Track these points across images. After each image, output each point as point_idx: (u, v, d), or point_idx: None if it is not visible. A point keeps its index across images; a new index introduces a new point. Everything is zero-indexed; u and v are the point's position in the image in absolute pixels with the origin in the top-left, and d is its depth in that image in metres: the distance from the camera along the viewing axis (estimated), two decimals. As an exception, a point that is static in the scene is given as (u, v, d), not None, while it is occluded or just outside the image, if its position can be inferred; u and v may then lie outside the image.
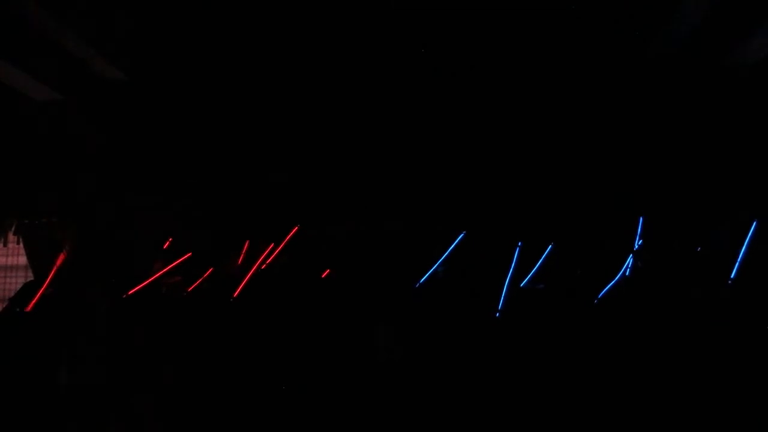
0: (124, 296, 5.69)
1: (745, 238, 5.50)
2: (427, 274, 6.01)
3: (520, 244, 6.00)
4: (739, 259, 5.41)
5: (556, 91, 6.43)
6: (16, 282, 7.25)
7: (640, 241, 5.93)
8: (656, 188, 6.32)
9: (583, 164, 6.42)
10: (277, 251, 6.43)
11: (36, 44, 6.06)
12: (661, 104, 6.35)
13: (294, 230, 6.56)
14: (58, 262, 6.21)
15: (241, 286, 5.88)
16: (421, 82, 6.50)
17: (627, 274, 5.72)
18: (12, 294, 6.29)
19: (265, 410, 5.13)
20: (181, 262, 6.40)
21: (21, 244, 7.39)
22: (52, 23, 5.82)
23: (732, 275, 5.33)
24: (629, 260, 5.73)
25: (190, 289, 6.06)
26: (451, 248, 6.16)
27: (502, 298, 5.69)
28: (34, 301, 5.60)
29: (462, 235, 6.17)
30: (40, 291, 5.71)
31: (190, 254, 6.47)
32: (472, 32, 6.11)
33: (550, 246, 5.95)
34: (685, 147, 6.31)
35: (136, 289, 5.79)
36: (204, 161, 6.91)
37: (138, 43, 6.33)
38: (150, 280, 5.99)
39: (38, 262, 7.12)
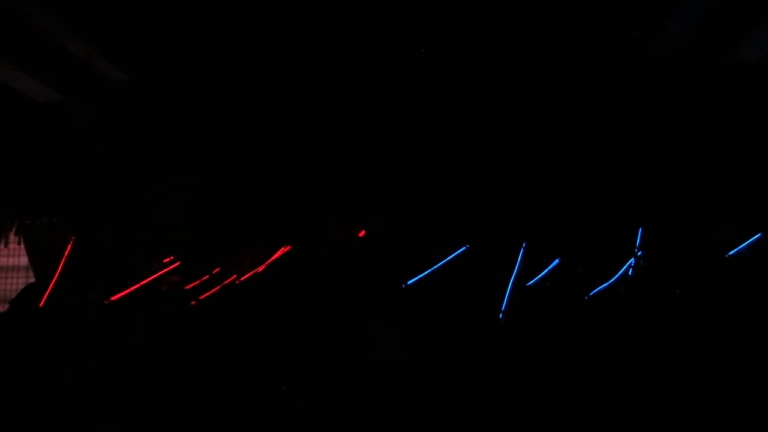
0: (124, 294, 5.70)
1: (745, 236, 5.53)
2: (421, 275, 6.02)
3: (524, 244, 6.00)
4: (737, 249, 5.44)
5: (556, 91, 6.44)
6: (17, 283, 7.26)
7: (639, 246, 5.94)
8: (657, 189, 6.32)
9: (582, 164, 6.42)
10: (276, 254, 6.45)
11: (37, 45, 6.08)
12: (662, 104, 6.36)
13: (287, 241, 6.59)
14: (61, 264, 6.21)
15: (215, 289, 5.91)
16: (421, 82, 6.52)
17: (629, 274, 5.72)
18: (13, 295, 6.31)
19: (265, 410, 5.13)
20: (182, 262, 6.41)
21: (22, 245, 7.40)
22: (54, 23, 5.83)
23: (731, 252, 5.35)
24: (631, 260, 5.74)
25: (190, 287, 6.07)
26: (451, 257, 6.17)
27: (506, 297, 5.70)
28: (42, 302, 5.60)
29: (464, 248, 6.19)
30: (46, 293, 5.72)
31: (194, 252, 6.48)
32: (472, 32, 6.12)
33: (556, 260, 5.95)
34: (686, 148, 6.31)
35: (135, 287, 5.80)
36: (205, 161, 6.93)
37: (139, 43, 6.35)
38: (151, 278, 6.00)
39: (39, 262, 7.13)
